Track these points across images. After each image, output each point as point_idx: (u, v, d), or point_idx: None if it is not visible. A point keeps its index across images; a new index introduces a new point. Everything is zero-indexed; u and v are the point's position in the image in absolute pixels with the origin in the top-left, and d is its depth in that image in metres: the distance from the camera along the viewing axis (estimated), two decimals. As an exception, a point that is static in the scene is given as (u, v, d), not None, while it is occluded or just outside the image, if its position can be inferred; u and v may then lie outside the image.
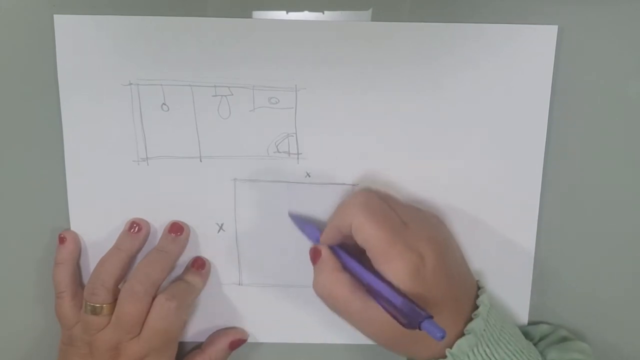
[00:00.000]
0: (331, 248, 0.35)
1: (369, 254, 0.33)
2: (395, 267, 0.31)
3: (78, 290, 0.38)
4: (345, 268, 0.34)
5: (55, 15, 0.37)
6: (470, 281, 0.36)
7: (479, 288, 0.36)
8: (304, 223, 0.38)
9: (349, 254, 0.35)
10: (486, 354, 0.32)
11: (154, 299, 0.36)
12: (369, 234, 0.32)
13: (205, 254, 0.40)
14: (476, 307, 0.34)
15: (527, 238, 0.40)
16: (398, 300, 0.30)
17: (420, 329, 0.29)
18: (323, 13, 0.37)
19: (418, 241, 0.32)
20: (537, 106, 0.38)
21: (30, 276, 0.40)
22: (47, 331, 0.40)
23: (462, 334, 0.33)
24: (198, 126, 0.38)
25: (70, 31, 0.37)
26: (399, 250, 0.31)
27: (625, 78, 0.38)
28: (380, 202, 0.33)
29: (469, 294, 0.35)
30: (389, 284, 0.31)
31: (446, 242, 0.35)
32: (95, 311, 0.36)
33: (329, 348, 0.41)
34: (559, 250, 0.40)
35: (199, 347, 0.40)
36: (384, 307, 0.31)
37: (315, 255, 0.35)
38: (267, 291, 0.40)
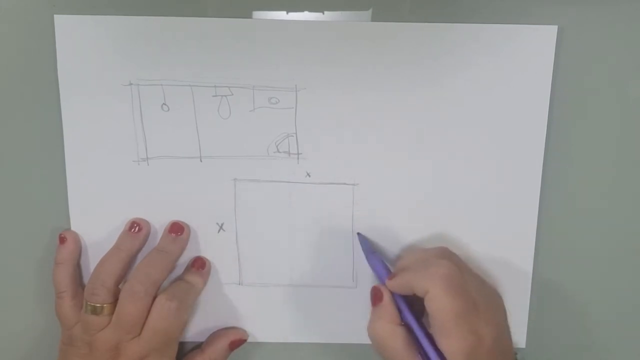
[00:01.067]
0: (393, 294, 0.36)
1: (433, 323, 0.33)
2: (454, 345, 0.32)
3: (78, 290, 0.38)
4: (402, 320, 0.35)
5: (55, 15, 0.37)
6: (511, 355, 0.37)
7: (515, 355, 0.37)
8: (369, 251, 0.38)
9: (408, 304, 0.35)
10: None
11: (154, 299, 0.36)
12: (441, 308, 0.32)
13: (206, 254, 0.40)
14: None
15: (526, 238, 0.40)
16: None
17: None
18: (323, 13, 0.37)
19: (483, 324, 0.33)
20: (537, 106, 0.38)
21: (30, 276, 0.40)
22: (47, 331, 0.40)
23: None
24: (198, 126, 0.38)
25: (70, 31, 0.37)
26: (462, 330, 0.32)
27: (625, 78, 0.38)
28: (460, 278, 0.34)
29: None
30: (441, 355, 0.32)
31: (504, 323, 0.36)
32: (95, 311, 0.36)
33: (328, 348, 0.41)
34: (559, 251, 0.40)
35: (199, 347, 0.40)
36: None
37: (376, 297, 0.36)
38: (267, 291, 0.40)
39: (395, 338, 0.34)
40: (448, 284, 0.33)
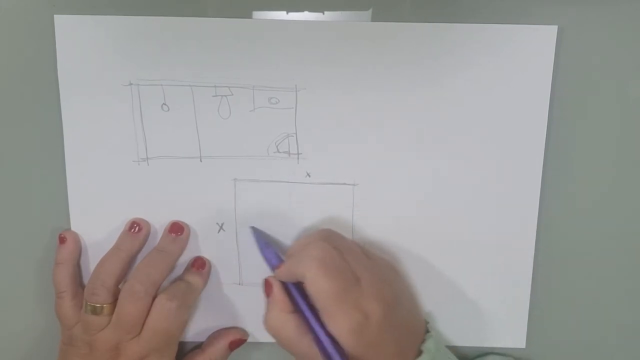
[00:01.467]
0: (284, 284, 0.36)
1: (317, 305, 0.33)
2: (340, 324, 0.32)
3: (78, 290, 0.38)
4: (295, 308, 0.35)
5: (55, 16, 0.37)
6: (418, 328, 0.36)
7: (427, 332, 0.36)
8: (264, 244, 0.38)
9: (301, 292, 0.35)
10: None
11: (154, 299, 0.36)
12: (319, 289, 0.33)
13: (206, 254, 0.40)
14: (420, 353, 0.35)
15: (526, 238, 0.40)
16: (336, 356, 0.32)
17: None
18: (323, 13, 0.37)
19: (367, 299, 0.33)
20: (537, 106, 0.38)
21: (30, 276, 0.40)
22: (47, 331, 0.40)
23: None
24: (198, 126, 0.38)
25: (70, 31, 0.37)
26: (345, 309, 0.32)
27: (625, 78, 0.38)
28: (336, 256, 0.34)
29: (416, 341, 0.35)
30: (331, 336, 0.33)
31: (395, 297, 0.35)
32: (95, 311, 0.36)
33: (329, 348, 0.41)
34: (559, 251, 0.40)
35: (199, 347, 0.40)
36: (324, 357, 0.32)
37: (267, 288, 0.36)
38: (267, 291, 0.40)
39: (286, 326, 0.34)
40: (323, 265, 0.33)
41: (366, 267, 0.35)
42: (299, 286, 0.35)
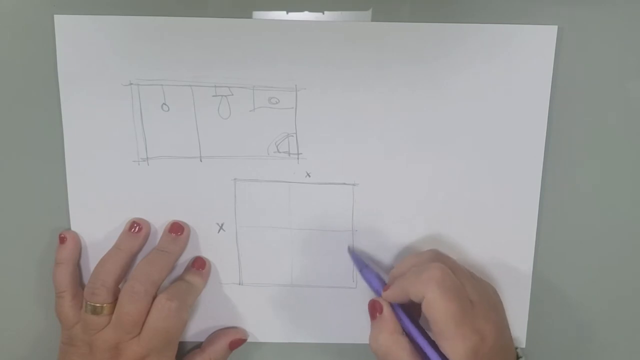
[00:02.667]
0: (391, 305, 0.35)
1: (434, 327, 0.33)
2: (457, 347, 0.32)
3: (78, 290, 0.38)
4: (403, 330, 0.35)
5: (55, 16, 0.37)
6: (512, 353, 0.37)
7: (518, 357, 0.37)
8: (362, 265, 0.38)
9: (407, 314, 0.35)
10: None
11: (154, 299, 0.36)
12: (439, 311, 0.32)
13: (206, 254, 0.40)
14: None
15: (526, 238, 0.40)
16: None
17: None
18: (323, 13, 0.37)
19: (481, 322, 0.33)
20: (537, 106, 0.38)
21: (30, 276, 0.40)
22: (47, 331, 0.40)
23: None
24: (198, 126, 0.38)
25: (71, 31, 0.37)
26: (463, 331, 0.32)
27: (625, 78, 0.38)
28: (454, 279, 0.34)
29: None
30: (445, 359, 0.32)
31: (502, 320, 0.36)
32: (95, 311, 0.36)
33: (328, 348, 0.41)
34: (559, 251, 0.40)
35: (199, 347, 0.40)
36: None
37: (374, 310, 0.36)
38: (267, 291, 0.40)
39: (399, 348, 0.34)
40: (443, 287, 0.33)
41: (478, 290, 0.35)
42: (405, 308, 0.35)
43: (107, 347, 0.36)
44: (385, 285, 0.36)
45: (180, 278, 0.39)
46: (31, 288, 0.40)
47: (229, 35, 0.37)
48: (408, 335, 0.34)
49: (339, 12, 0.37)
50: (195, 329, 0.41)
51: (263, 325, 0.41)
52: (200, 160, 0.39)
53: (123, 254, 0.38)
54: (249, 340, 0.41)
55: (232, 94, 0.38)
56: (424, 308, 0.33)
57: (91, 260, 0.39)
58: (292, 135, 0.38)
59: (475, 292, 0.34)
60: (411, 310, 0.35)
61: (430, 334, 0.34)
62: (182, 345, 0.40)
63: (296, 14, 0.37)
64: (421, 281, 0.33)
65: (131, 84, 0.38)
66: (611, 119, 0.39)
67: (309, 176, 0.39)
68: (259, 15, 0.37)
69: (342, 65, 0.37)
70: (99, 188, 0.39)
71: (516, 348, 0.38)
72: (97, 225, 0.39)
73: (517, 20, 0.37)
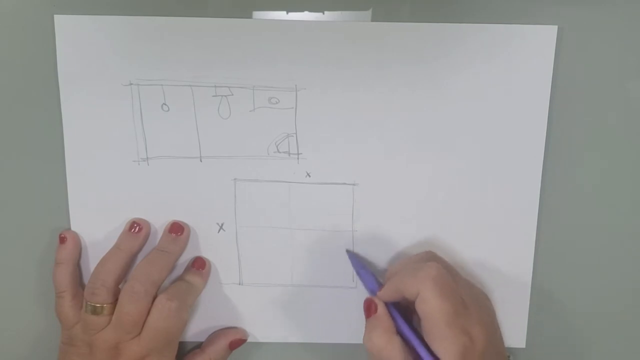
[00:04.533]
0: (386, 305, 0.36)
1: (425, 326, 0.33)
2: (447, 347, 0.32)
3: (78, 290, 0.38)
4: (397, 330, 0.35)
5: (55, 16, 0.37)
6: (503, 355, 0.37)
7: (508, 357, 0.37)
8: (360, 266, 0.38)
9: (402, 315, 0.35)
10: None
11: (154, 299, 0.36)
12: (433, 310, 0.32)
13: (206, 254, 0.40)
14: None
15: (526, 239, 0.40)
16: None
17: None
18: (323, 13, 0.37)
19: (473, 324, 0.33)
20: (537, 106, 0.38)
21: (30, 276, 0.40)
22: (47, 331, 0.40)
23: None
24: (198, 126, 0.38)
25: (71, 31, 0.37)
26: (454, 331, 0.32)
27: (625, 78, 0.38)
28: (449, 279, 0.34)
29: None
30: (437, 359, 0.33)
31: (493, 324, 0.36)
32: (95, 311, 0.36)
33: (329, 348, 0.41)
34: (559, 251, 0.40)
35: (199, 347, 0.40)
36: None
37: (369, 309, 0.36)
38: (267, 291, 0.40)
39: (393, 347, 0.34)
40: (438, 285, 0.33)
41: (471, 293, 0.35)
42: (399, 309, 0.35)
43: (107, 347, 0.36)
44: (380, 286, 0.36)
45: (180, 278, 0.39)
46: (31, 288, 0.40)
47: (229, 35, 0.37)
48: (401, 335, 0.34)
49: (339, 12, 0.37)
50: (195, 329, 0.41)
51: (263, 325, 0.41)
52: (200, 160, 0.39)
53: (123, 254, 0.38)
54: (249, 340, 0.41)
55: (232, 94, 0.38)
56: (417, 305, 0.33)
57: (91, 260, 0.39)
58: (292, 135, 0.38)
59: (468, 295, 0.34)
60: (406, 312, 0.35)
61: (422, 335, 0.34)
62: (182, 345, 0.40)
63: (296, 14, 0.37)
64: (417, 279, 0.33)
65: (131, 84, 0.38)
66: (611, 119, 0.39)
67: (309, 176, 0.39)
68: (259, 15, 0.37)
69: (342, 65, 0.37)
70: (99, 188, 0.39)
71: (508, 356, 0.38)
72: (97, 225, 0.39)
73: (517, 20, 0.37)
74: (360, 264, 0.39)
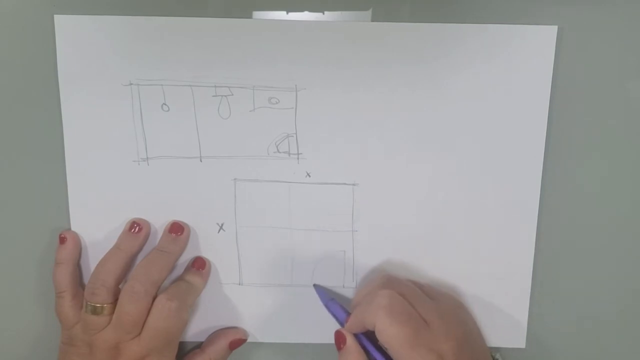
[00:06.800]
0: (356, 335, 0.36)
1: (391, 353, 0.33)
2: None
3: (78, 290, 0.38)
4: (369, 357, 0.35)
5: (55, 16, 0.37)
6: (487, 357, 0.37)
7: None
8: (327, 299, 0.39)
9: (373, 341, 0.35)
10: None
11: (154, 299, 0.36)
12: (391, 338, 0.33)
13: (206, 254, 0.40)
14: None
15: (526, 239, 0.40)
16: None
17: None
18: (323, 13, 0.37)
19: (438, 341, 0.33)
20: (537, 106, 0.38)
21: (30, 276, 0.40)
22: (47, 331, 0.40)
23: None
24: (198, 126, 0.38)
25: (71, 31, 0.37)
26: (421, 352, 0.32)
27: (625, 78, 0.38)
28: (402, 303, 0.34)
29: None
30: None
31: (465, 334, 0.36)
32: (95, 311, 0.36)
33: (329, 348, 0.41)
34: (559, 252, 0.40)
35: (199, 347, 0.40)
36: None
37: (339, 340, 0.36)
38: (267, 291, 0.40)
39: None
40: (391, 313, 0.33)
41: (432, 309, 0.35)
42: (369, 335, 0.35)
43: (107, 347, 0.36)
44: (348, 317, 0.36)
45: (180, 278, 0.39)
46: (31, 288, 0.40)
47: (229, 35, 0.37)
48: None
49: (339, 12, 0.37)
50: (195, 329, 0.41)
51: (263, 325, 0.41)
52: (200, 160, 0.39)
53: (123, 254, 0.38)
54: (249, 340, 0.41)
55: (232, 94, 0.38)
56: (377, 336, 0.34)
57: (91, 260, 0.39)
58: (292, 135, 0.38)
59: (430, 312, 0.34)
60: (376, 338, 0.36)
61: None
62: (182, 345, 0.40)
63: (296, 14, 0.37)
64: (370, 310, 0.34)
65: (131, 84, 0.38)
66: (611, 119, 0.39)
67: (309, 176, 0.39)
68: (259, 15, 0.37)
69: (342, 65, 0.37)
70: (99, 188, 0.39)
71: (494, 357, 0.38)
72: (97, 225, 0.39)
73: (517, 20, 0.37)
74: (328, 296, 0.39)
